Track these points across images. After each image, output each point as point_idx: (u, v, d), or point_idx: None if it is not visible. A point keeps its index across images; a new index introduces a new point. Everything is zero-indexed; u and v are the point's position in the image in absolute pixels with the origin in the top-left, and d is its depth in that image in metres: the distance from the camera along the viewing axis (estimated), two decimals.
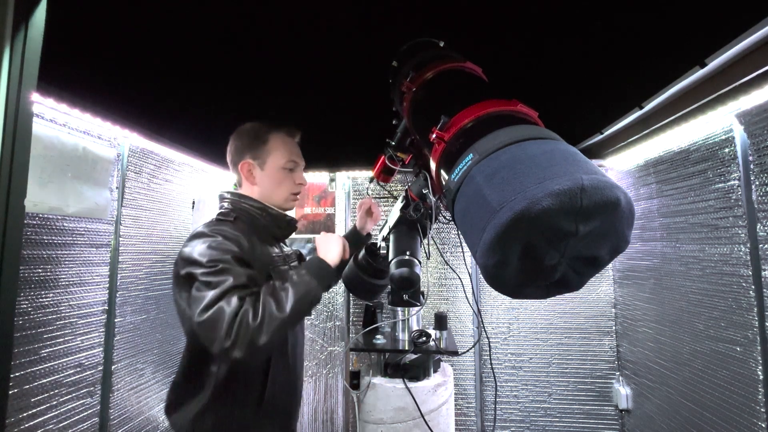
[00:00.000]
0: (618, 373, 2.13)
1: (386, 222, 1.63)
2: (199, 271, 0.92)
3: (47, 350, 1.29)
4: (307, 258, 1.51)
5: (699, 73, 1.18)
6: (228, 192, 1.16)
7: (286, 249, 1.25)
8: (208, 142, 2.01)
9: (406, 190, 1.49)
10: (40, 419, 1.25)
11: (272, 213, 1.16)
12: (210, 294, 0.87)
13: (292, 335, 1.15)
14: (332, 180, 2.43)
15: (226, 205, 1.14)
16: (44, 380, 1.27)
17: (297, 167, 1.20)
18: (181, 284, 0.98)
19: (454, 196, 0.70)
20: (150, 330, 1.79)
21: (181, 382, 1.07)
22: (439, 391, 1.46)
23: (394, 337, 1.65)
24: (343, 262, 1.16)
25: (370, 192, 2.37)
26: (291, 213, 2.04)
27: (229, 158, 1.20)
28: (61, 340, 1.34)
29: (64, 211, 1.34)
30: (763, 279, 1.20)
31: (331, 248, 1.11)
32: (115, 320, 1.57)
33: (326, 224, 2.42)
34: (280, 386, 1.08)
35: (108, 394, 1.52)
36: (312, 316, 2.36)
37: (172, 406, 1.06)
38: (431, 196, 1.18)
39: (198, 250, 0.95)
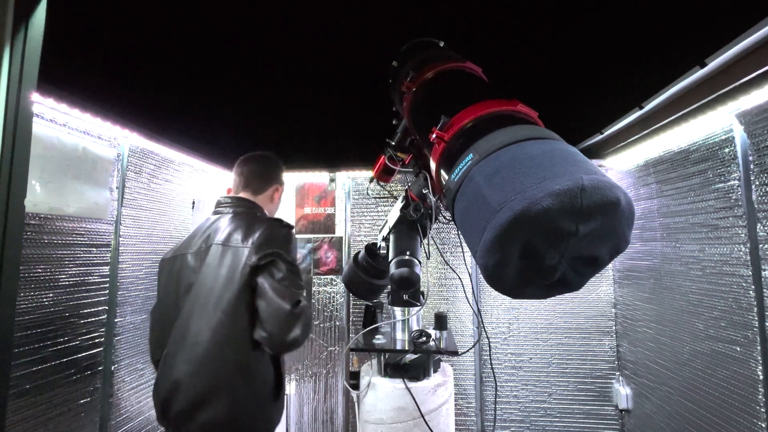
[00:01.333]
0: (618, 373, 2.13)
1: (386, 222, 1.63)
2: (286, 264, 1.12)
3: (47, 350, 1.29)
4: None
5: (699, 73, 1.17)
6: (248, 201, 1.33)
7: None
8: (208, 142, 2.01)
9: (406, 190, 1.49)
10: (40, 419, 1.25)
11: None
12: (297, 292, 1.10)
13: None
14: (332, 180, 2.43)
15: (255, 212, 1.32)
16: (44, 380, 1.27)
17: None
18: (258, 270, 1.11)
19: (454, 196, 0.70)
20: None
21: (248, 387, 1.13)
22: (439, 391, 1.46)
23: (394, 337, 1.65)
24: None
25: (370, 192, 2.37)
26: (291, 216, 2.45)
27: (264, 174, 1.39)
28: (61, 340, 1.34)
29: (64, 211, 1.34)
30: (763, 279, 1.20)
31: None
32: (115, 320, 1.57)
33: (326, 224, 2.42)
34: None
35: (108, 394, 1.52)
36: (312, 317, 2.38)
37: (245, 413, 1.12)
38: (431, 196, 1.19)
39: (285, 242, 1.16)
